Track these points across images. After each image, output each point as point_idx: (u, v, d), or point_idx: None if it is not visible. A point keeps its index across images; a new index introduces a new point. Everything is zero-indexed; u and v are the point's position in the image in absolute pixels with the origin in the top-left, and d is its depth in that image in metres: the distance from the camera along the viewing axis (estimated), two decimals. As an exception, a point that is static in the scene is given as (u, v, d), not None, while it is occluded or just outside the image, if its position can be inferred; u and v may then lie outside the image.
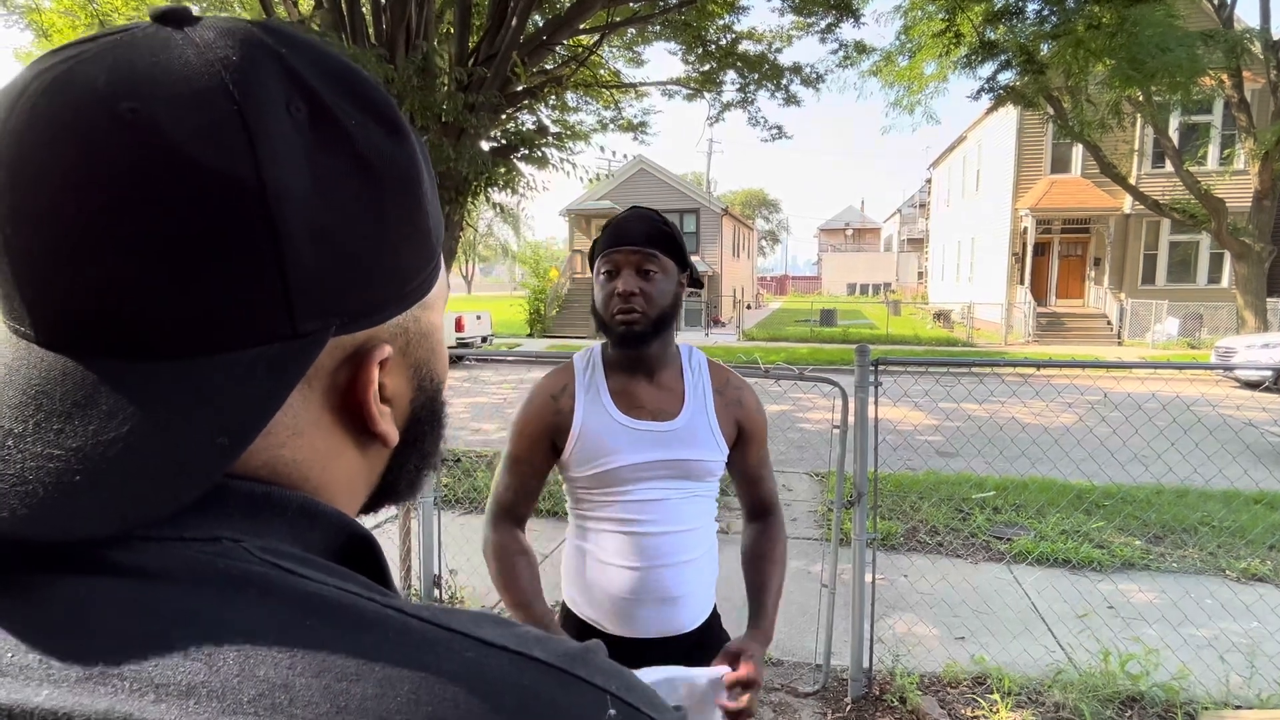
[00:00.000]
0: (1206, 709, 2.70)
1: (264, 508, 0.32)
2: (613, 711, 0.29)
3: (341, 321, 0.33)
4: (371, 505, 0.42)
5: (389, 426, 0.37)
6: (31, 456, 0.27)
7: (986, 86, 9.62)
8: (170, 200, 0.28)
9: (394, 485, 0.42)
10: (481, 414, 9.27)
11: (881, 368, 2.88)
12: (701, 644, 1.40)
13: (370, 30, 5.84)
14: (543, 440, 1.37)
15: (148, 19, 0.32)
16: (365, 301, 0.34)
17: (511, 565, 1.36)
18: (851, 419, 2.88)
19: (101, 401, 0.28)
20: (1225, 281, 17.51)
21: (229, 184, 0.29)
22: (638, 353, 1.34)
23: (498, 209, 7.32)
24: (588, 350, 1.43)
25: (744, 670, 1.23)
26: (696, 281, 1.42)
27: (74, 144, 0.28)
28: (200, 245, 0.29)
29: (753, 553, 1.48)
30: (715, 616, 1.47)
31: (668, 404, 1.37)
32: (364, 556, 0.36)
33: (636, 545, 1.34)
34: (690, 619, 1.40)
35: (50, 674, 0.25)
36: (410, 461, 0.41)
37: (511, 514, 1.40)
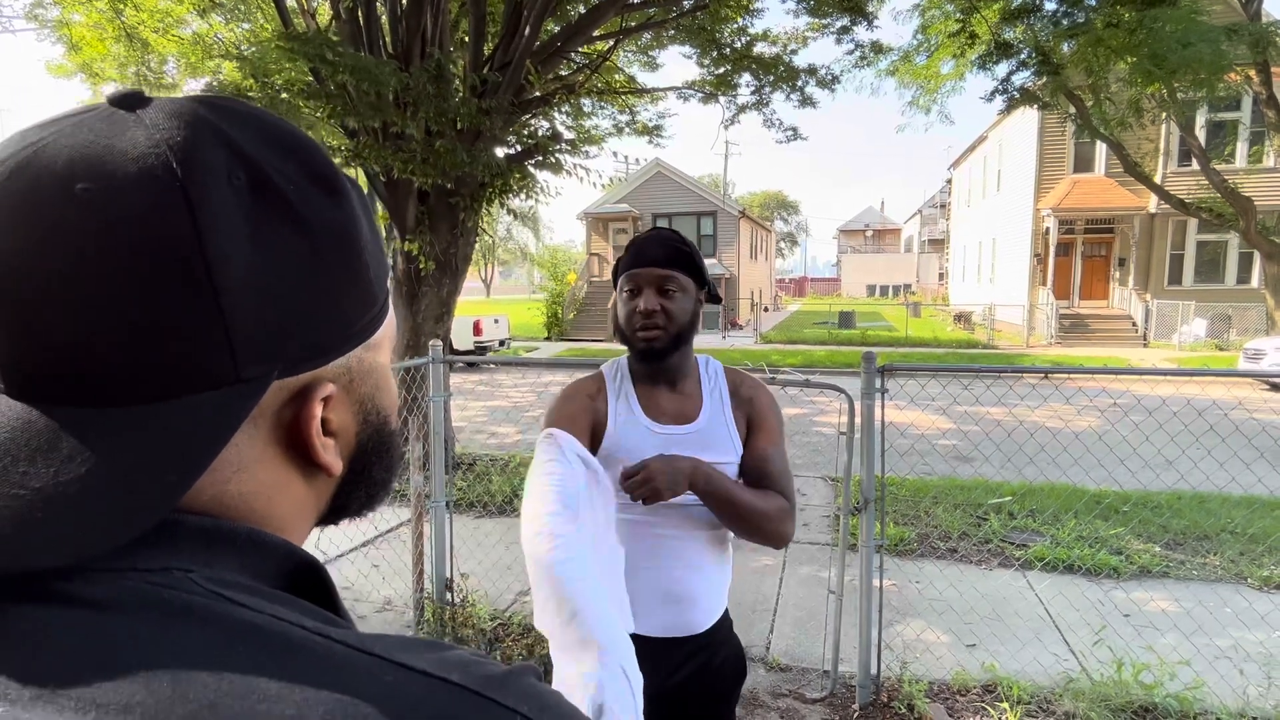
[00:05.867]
0: (1221, 720, 2.66)
1: (214, 540, 0.35)
2: None
3: (283, 366, 0.37)
4: (326, 521, 0.46)
5: (332, 458, 0.41)
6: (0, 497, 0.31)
7: (1001, 88, 9.50)
8: (121, 268, 0.32)
9: (344, 508, 0.45)
10: (498, 418, 9.34)
11: (890, 374, 2.88)
12: (710, 644, 1.44)
13: (387, 40, 5.93)
14: (584, 421, 1.42)
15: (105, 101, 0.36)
16: (306, 348, 0.38)
17: None
18: (858, 420, 2.88)
19: (62, 446, 0.32)
20: (1255, 281, 17.15)
21: (172, 251, 0.32)
22: (659, 365, 1.45)
23: (513, 214, 7.38)
24: (616, 362, 1.53)
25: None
26: (715, 298, 1.52)
27: (36, 220, 0.32)
28: (149, 306, 0.32)
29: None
30: (726, 619, 1.50)
31: (687, 409, 1.47)
32: (312, 583, 0.39)
33: (651, 546, 1.40)
34: (701, 620, 1.43)
35: (7, 693, 0.29)
36: (360, 490, 0.45)
37: None
